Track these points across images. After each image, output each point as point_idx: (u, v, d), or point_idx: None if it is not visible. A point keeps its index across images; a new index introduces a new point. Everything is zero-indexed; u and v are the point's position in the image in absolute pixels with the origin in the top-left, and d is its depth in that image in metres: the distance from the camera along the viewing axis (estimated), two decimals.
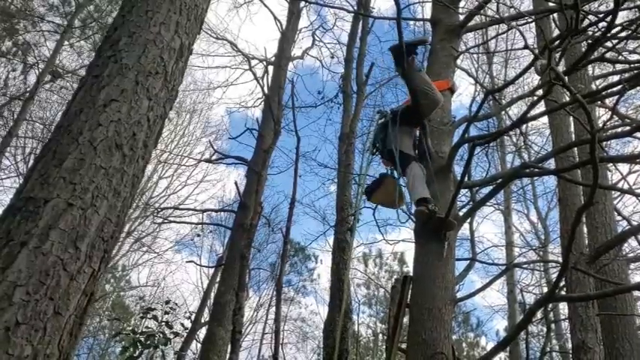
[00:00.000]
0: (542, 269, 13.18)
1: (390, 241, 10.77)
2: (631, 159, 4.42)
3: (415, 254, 4.34)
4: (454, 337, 25.09)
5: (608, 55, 7.84)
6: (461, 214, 4.51)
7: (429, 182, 4.41)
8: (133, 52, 2.88)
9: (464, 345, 26.07)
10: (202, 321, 10.29)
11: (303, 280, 23.16)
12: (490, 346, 21.03)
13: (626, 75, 6.21)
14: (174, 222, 11.17)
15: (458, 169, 4.74)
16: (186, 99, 20.79)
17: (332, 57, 13.98)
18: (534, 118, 3.91)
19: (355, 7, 11.25)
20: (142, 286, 22.57)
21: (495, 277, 4.69)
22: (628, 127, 4.61)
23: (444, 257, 4.11)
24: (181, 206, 12.71)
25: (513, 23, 6.43)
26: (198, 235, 12.99)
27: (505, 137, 13.38)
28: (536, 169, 4.05)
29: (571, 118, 9.50)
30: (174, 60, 3.05)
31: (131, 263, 22.45)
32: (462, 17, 5.70)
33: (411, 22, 11.27)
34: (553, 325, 13.11)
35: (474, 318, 25.52)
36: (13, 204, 2.38)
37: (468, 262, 6.08)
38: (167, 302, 7.86)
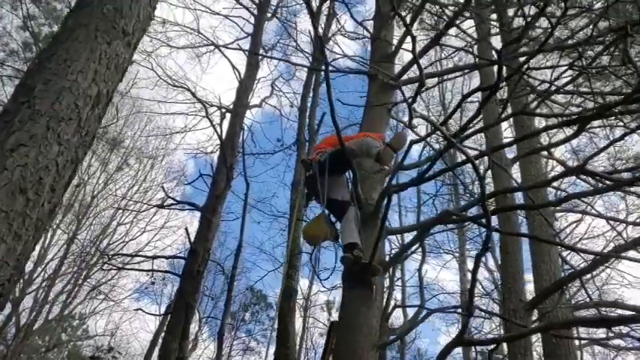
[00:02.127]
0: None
1: (327, 288, 10.79)
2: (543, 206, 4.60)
3: (341, 300, 4.39)
4: None
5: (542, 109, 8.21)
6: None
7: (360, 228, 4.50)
8: (47, 99, 2.95)
9: None
10: None
11: (264, 329, 22.82)
12: None
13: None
14: (124, 269, 11.02)
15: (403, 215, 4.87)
16: (148, 145, 20.83)
17: (291, 106, 14.26)
18: (446, 170, 4.07)
19: (310, 60, 11.58)
20: (99, 335, 21.90)
21: (416, 323, 4.76)
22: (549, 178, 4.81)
23: (369, 302, 4.17)
24: (132, 253, 12.54)
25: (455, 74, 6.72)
26: (153, 283, 12.81)
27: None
28: (457, 216, 4.18)
29: (517, 165, 9.88)
30: (90, 107, 3.12)
31: (88, 311, 21.80)
32: (397, 71, 5.95)
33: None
34: None
35: None
36: None
37: (417, 309, 6.16)
38: (109, 350, 7.68)
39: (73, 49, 3.23)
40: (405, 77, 6.41)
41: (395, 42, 6.42)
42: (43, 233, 2.84)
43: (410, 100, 3.77)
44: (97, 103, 3.19)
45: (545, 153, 11.11)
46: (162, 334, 8.66)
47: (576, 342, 9.24)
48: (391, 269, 12.84)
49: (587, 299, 10.05)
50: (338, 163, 4.68)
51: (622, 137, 4.64)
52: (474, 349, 12.74)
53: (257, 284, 24.04)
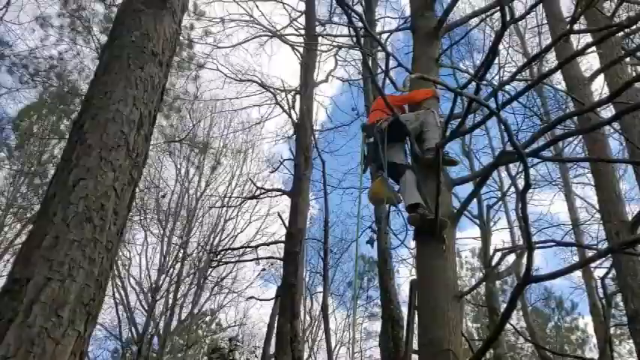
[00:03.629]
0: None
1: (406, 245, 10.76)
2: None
3: (416, 257, 4.48)
4: (550, 324, 24.28)
5: None
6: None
7: (420, 186, 4.56)
8: (96, 132, 3.25)
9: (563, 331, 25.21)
10: (271, 352, 10.64)
11: None
12: (590, 327, 20.11)
13: None
14: (228, 262, 11.67)
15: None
16: (237, 141, 21.55)
17: (359, 73, 14.21)
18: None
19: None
20: (231, 327, 23.27)
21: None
22: None
23: (442, 256, 4.23)
24: (233, 246, 13.18)
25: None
26: (263, 269, 13.42)
27: None
28: (516, 155, 4.10)
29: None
30: (135, 130, 3.40)
31: (217, 306, 23.12)
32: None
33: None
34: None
35: (568, 302, 24.67)
36: (4, 287, 2.77)
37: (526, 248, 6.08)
38: (230, 340, 8.22)
39: (111, 81, 3.51)
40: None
41: None
42: (117, 252, 3.16)
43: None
44: (141, 125, 3.46)
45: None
46: (277, 318, 9.12)
47: None
48: (485, 218, 12.64)
49: None
50: (396, 131, 4.73)
51: None
52: (597, 278, 12.20)
53: (368, 253, 24.23)
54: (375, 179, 4.99)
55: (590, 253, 13.50)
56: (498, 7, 6.79)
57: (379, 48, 10.42)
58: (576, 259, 13.89)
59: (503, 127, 2.83)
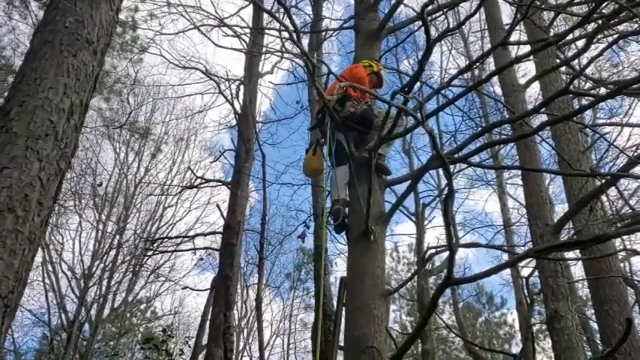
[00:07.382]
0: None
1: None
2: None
3: (348, 255, 4.58)
4: (481, 319, 25.12)
5: None
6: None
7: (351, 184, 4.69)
8: (23, 120, 3.17)
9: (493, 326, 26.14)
10: (203, 344, 10.59)
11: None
12: (517, 322, 20.97)
13: None
14: (165, 252, 11.54)
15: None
16: (180, 127, 21.18)
17: (305, 66, 14.21)
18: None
19: (312, 17, 11.53)
20: (166, 315, 22.95)
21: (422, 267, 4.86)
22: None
23: (370, 254, 4.33)
24: (171, 235, 13.04)
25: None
26: (201, 259, 13.30)
27: None
28: (448, 159, 4.24)
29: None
30: (65, 119, 3.33)
31: (152, 294, 22.69)
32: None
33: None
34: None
35: (498, 297, 25.59)
36: None
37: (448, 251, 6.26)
38: (164, 331, 8.15)
39: (41, 67, 3.42)
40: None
41: None
42: (40, 243, 3.09)
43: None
44: (71, 114, 3.39)
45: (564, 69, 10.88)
46: (211, 308, 9.10)
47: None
48: (420, 215, 12.98)
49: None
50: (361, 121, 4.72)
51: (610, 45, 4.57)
52: (523, 277, 12.75)
53: (307, 244, 24.42)
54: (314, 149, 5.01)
55: (519, 250, 14.08)
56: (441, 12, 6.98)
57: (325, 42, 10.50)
58: (506, 257, 14.42)
59: (428, 136, 2.93)
